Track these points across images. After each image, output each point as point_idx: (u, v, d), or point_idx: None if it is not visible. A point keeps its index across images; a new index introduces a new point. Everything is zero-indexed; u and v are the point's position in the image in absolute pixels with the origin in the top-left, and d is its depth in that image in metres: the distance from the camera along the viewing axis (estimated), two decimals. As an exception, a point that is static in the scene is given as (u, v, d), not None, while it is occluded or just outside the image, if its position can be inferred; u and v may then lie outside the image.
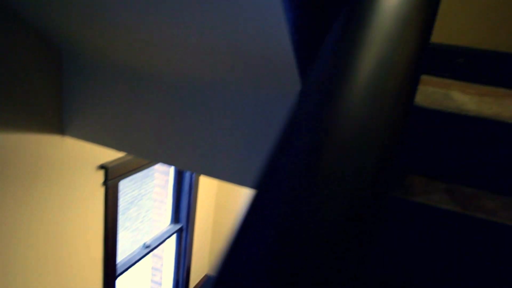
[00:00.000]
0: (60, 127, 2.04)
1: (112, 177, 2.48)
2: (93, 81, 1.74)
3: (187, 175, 4.04)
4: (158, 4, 0.98)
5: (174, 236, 4.30)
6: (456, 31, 2.27)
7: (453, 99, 1.28)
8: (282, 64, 0.95)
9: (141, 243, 3.81)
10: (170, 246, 4.41)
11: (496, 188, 0.92)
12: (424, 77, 2.11)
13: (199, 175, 4.02)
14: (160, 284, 4.56)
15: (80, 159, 2.26)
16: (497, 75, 2.21)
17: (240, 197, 4.88)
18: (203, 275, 5.18)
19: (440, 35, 2.29)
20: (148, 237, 3.96)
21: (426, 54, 1.18)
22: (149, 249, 3.77)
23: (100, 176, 2.46)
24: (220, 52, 1.05)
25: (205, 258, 5.13)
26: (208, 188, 4.65)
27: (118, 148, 1.83)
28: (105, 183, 2.48)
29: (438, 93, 1.41)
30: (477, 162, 0.94)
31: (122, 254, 3.53)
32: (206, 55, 1.11)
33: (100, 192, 2.52)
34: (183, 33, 1.06)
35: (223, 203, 5.01)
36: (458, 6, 2.21)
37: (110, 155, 2.46)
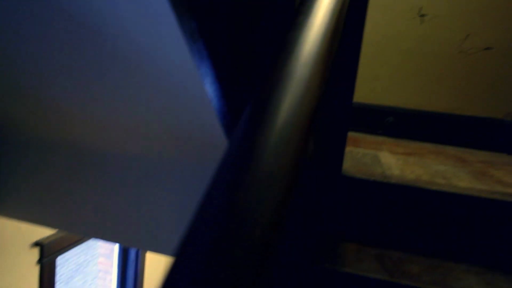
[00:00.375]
0: (-10, 205, 1.90)
1: (48, 254, 2.32)
2: (26, 158, 1.68)
3: (133, 242, 3.87)
4: (94, 85, 0.99)
5: (121, 309, 4.01)
6: (386, 93, 2.48)
7: (380, 162, 1.37)
8: (216, 143, 0.98)
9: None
10: (117, 321, 4.09)
11: (420, 250, 0.98)
12: (359, 136, 2.25)
13: (144, 251, 3.86)
14: None
15: (12, 237, 2.10)
16: (423, 131, 2.41)
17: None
18: None
19: (372, 96, 2.48)
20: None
21: (350, 116, 1.25)
22: (92, 327, 3.47)
23: (34, 254, 2.29)
24: (157, 132, 1.08)
25: (155, 331, 4.79)
26: (157, 257, 4.46)
27: (52, 225, 1.73)
28: (40, 261, 2.31)
29: (368, 156, 1.51)
30: (403, 226, 1.00)
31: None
32: (143, 134, 1.13)
33: (34, 271, 2.33)
34: (121, 115, 1.08)
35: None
36: (386, 70, 2.42)
37: (46, 230, 2.32)
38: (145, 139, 1.16)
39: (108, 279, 3.99)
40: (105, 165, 1.44)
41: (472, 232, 0.96)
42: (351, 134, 2.33)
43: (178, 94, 0.76)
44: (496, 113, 2.32)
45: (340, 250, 0.95)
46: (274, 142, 0.40)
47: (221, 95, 0.73)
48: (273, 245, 0.34)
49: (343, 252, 0.94)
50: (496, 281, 0.90)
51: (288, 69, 0.45)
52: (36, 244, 2.26)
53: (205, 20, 0.53)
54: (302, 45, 0.43)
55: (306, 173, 0.95)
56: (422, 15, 2.34)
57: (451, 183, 1.09)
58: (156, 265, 4.48)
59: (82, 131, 1.35)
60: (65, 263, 3.45)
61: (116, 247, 3.85)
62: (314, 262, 0.88)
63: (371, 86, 2.50)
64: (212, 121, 0.83)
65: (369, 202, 1.03)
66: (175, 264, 0.36)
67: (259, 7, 0.71)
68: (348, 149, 1.66)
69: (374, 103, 2.47)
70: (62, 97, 1.12)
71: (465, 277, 0.87)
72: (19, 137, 1.67)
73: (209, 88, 0.70)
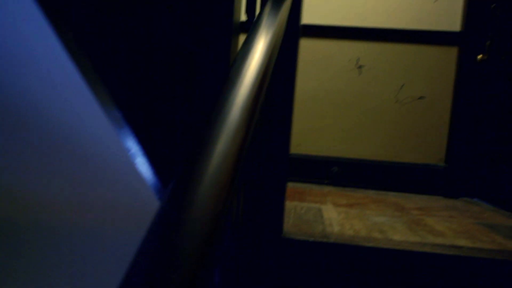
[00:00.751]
0: None
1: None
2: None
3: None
4: (30, 164, 0.97)
5: None
6: (331, 144, 2.58)
7: (322, 217, 1.41)
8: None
9: None
10: None
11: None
12: (306, 188, 2.31)
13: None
14: None
15: None
16: (366, 179, 2.52)
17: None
18: None
19: (318, 148, 2.58)
20: None
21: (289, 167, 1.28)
22: None
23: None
24: (94, 207, 1.05)
25: None
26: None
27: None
28: None
29: (311, 211, 1.55)
30: (343, 284, 1.02)
31: None
32: (81, 209, 1.10)
33: None
34: (57, 191, 1.05)
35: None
36: (330, 122, 2.54)
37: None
38: (83, 214, 1.12)
39: None
40: (37, 239, 1.36)
41: (408, 285, 1.00)
42: (299, 186, 2.38)
43: (113, 173, 0.76)
44: (431, 159, 2.48)
45: (283, 316, 0.95)
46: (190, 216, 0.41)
47: (153, 171, 0.74)
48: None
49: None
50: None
51: (204, 162, 0.47)
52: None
53: (128, 111, 0.56)
54: (215, 145, 0.46)
55: (242, 236, 0.96)
56: (360, 66, 2.52)
57: (387, 237, 1.14)
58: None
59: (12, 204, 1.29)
60: None
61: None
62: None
63: (316, 138, 2.60)
64: (148, 196, 0.83)
65: (310, 262, 1.05)
66: None
67: (180, 97, 0.75)
68: (293, 204, 1.70)
69: (320, 154, 2.56)
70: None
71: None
72: None
73: (141, 166, 0.71)
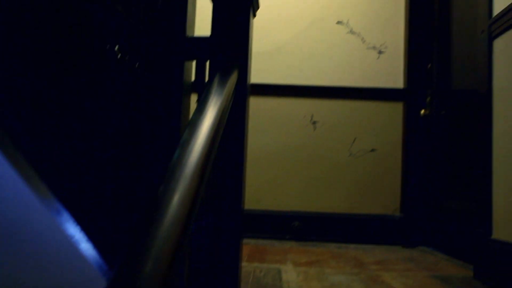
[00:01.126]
0: None
1: None
2: None
3: None
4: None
5: None
6: (290, 199, 2.59)
7: (281, 280, 1.40)
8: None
9: None
10: None
11: None
12: (267, 246, 2.28)
13: None
14: None
15: None
16: (326, 232, 2.53)
17: None
18: None
19: (278, 203, 2.59)
20: None
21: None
22: None
23: None
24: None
25: None
26: None
27: None
28: None
29: (270, 274, 1.53)
30: None
31: None
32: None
33: None
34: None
35: None
36: (288, 177, 2.57)
37: None
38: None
39: None
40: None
41: None
42: (261, 243, 2.35)
43: (59, 260, 0.73)
44: (387, 210, 2.54)
45: None
46: None
47: (98, 254, 0.72)
48: None
49: None
50: None
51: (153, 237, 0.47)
52: None
53: (68, 198, 0.56)
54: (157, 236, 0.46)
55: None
56: (314, 122, 2.60)
57: (344, 300, 1.14)
58: None
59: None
60: None
61: None
62: None
63: (276, 193, 2.60)
64: (96, 278, 0.80)
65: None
66: None
67: (125, 175, 0.76)
68: (253, 266, 1.67)
69: (280, 210, 2.56)
70: None
71: None
72: None
73: (87, 254, 0.69)
